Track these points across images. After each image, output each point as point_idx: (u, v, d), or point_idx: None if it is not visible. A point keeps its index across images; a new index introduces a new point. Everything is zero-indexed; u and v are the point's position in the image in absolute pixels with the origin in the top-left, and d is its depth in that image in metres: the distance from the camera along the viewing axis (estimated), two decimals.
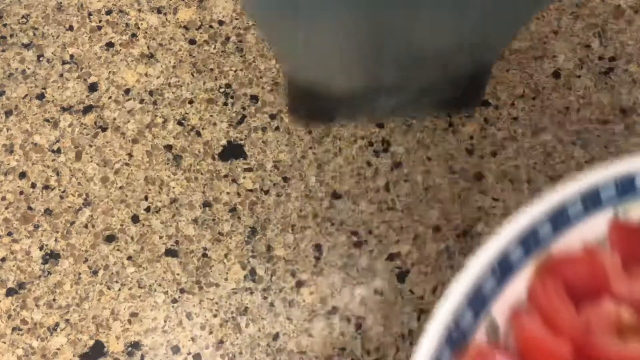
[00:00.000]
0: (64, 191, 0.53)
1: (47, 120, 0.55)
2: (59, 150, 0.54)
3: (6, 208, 0.53)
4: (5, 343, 0.49)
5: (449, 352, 0.33)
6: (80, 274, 0.51)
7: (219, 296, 0.50)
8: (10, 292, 0.51)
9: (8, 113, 0.55)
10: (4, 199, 0.53)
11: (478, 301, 0.34)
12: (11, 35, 0.57)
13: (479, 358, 0.33)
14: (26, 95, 0.56)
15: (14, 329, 0.50)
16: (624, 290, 0.35)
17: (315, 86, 0.46)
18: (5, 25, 0.58)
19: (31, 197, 0.53)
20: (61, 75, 0.56)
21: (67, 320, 0.50)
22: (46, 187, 0.53)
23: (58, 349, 0.49)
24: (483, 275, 0.34)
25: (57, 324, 0.50)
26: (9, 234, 0.52)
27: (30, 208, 0.53)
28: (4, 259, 0.51)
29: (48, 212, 0.53)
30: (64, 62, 0.57)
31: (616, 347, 0.33)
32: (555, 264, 0.36)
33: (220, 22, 0.58)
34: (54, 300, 0.50)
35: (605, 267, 0.35)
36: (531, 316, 0.34)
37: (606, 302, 0.34)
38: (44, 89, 0.56)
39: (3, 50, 0.57)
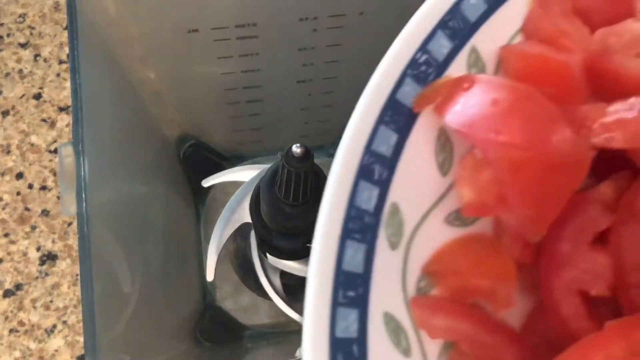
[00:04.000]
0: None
1: (44, 120, 0.55)
2: (56, 151, 0.54)
3: (3, 209, 0.52)
4: (2, 345, 0.49)
5: (412, 78, 0.25)
6: (77, 275, 0.51)
7: None
8: (7, 294, 0.50)
9: (5, 113, 0.55)
10: (0, 199, 0.53)
11: (456, 22, 0.26)
12: (8, 35, 0.57)
13: (453, 86, 0.24)
14: (23, 95, 0.55)
15: (11, 331, 0.49)
16: None
17: None
18: (2, 24, 0.57)
19: (28, 198, 0.52)
20: (58, 75, 0.56)
21: (64, 322, 0.49)
22: (43, 187, 0.53)
23: (56, 351, 0.49)
24: None
25: (54, 326, 0.49)
26: (6, 235, 0.52)
27: (27, 209, 0.52)
28: (1, 260, 0.51)
29: (45, 213, 0.52)
30: (61, 62, 0.56)
31: None
32: None
33: None
34: (52, 301, 0.50)
35: None
36: (529, 44, 0.26)
37: (630, 22, 0.26)
38: (41, 88, 0.56)
39: (0, 50, 0.57)
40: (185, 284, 0.47)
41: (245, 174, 0.41)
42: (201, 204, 0.51)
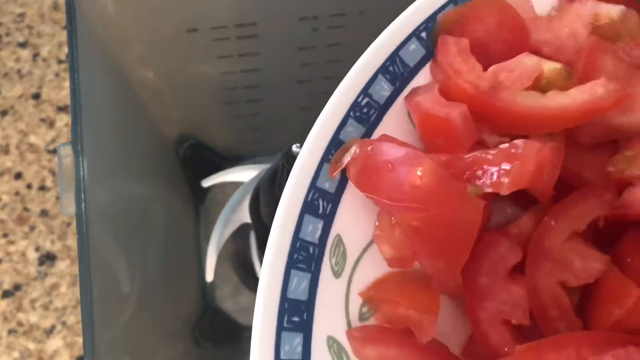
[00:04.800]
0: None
1: (43, 120, 0.54)
2: (55, 151, 0.54)
3: (2, 209, 0.52)
4: (1, 345, 0.49)
5: (355, 119, 0.27)
6: (76, 275, 0.50)
7: None
8: (6, 294, 0.50)
9: (3, 113, 0.55)
10: None
11: (396, 67, 0.28)
12: (7, 34, 0.57)
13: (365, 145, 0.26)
14: (22, 94, 0.55)
15: (10, 331, 0.49)
16: (546, 37, 0.28)
17: None
18: (0, 23, 0.57)
19: (27, 198, 0.52)
20: (57, 75, 0.56)
21: (63, 323, 0.49)
22: (42, 187, 0.53)
23: (55, 351, 0.49)
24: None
25: (53, 326, 0.49)
26: (5, 235, 0.51)
27: (26, 209, 0.52)
28: None
29: (44, 213, 0.52)
30: (59, 62, 0.56)
31: (531, 100, 0.26)
32: (462, 20, 0.28)
33: None
34: (50, 302, 0.50)
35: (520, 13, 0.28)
36: (427, 91, 0.27)
37: (522, 57, 0.27)
38: (40, 88, 0.55)
39: None
40: (185, 285, 0.47)
41: (245, 174, 0.41)
42: (201, 204, 0.51)
